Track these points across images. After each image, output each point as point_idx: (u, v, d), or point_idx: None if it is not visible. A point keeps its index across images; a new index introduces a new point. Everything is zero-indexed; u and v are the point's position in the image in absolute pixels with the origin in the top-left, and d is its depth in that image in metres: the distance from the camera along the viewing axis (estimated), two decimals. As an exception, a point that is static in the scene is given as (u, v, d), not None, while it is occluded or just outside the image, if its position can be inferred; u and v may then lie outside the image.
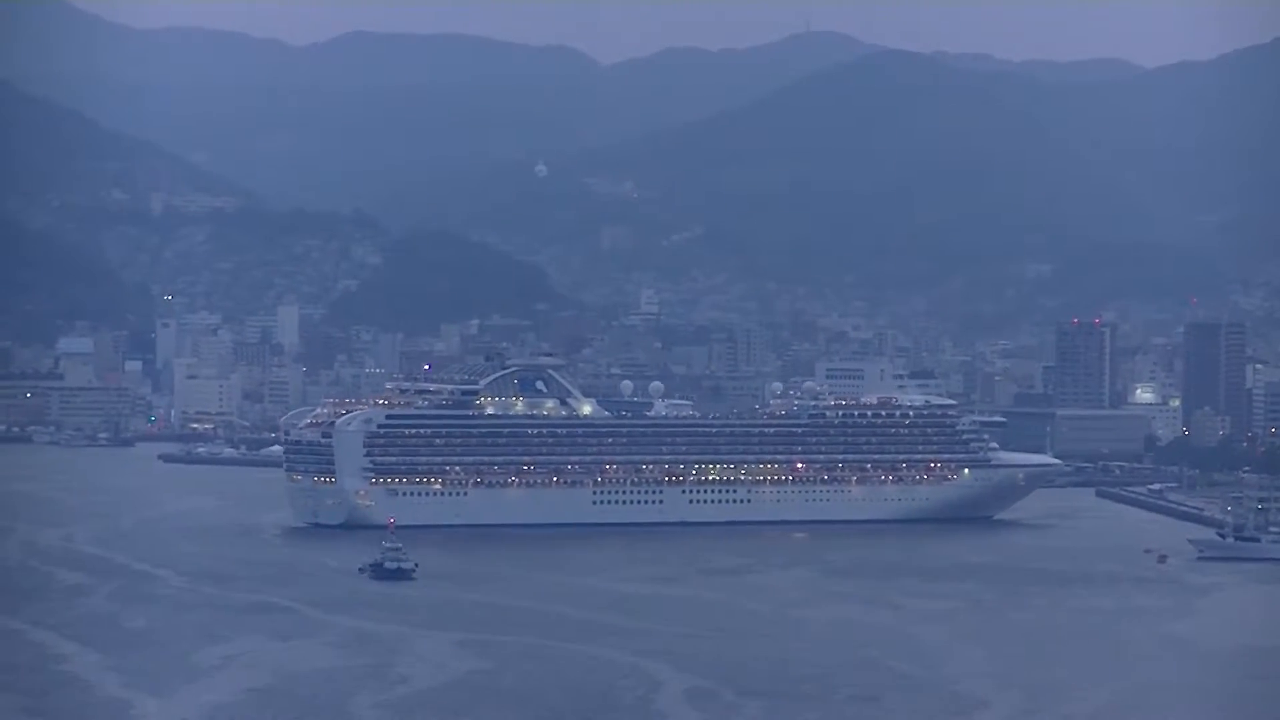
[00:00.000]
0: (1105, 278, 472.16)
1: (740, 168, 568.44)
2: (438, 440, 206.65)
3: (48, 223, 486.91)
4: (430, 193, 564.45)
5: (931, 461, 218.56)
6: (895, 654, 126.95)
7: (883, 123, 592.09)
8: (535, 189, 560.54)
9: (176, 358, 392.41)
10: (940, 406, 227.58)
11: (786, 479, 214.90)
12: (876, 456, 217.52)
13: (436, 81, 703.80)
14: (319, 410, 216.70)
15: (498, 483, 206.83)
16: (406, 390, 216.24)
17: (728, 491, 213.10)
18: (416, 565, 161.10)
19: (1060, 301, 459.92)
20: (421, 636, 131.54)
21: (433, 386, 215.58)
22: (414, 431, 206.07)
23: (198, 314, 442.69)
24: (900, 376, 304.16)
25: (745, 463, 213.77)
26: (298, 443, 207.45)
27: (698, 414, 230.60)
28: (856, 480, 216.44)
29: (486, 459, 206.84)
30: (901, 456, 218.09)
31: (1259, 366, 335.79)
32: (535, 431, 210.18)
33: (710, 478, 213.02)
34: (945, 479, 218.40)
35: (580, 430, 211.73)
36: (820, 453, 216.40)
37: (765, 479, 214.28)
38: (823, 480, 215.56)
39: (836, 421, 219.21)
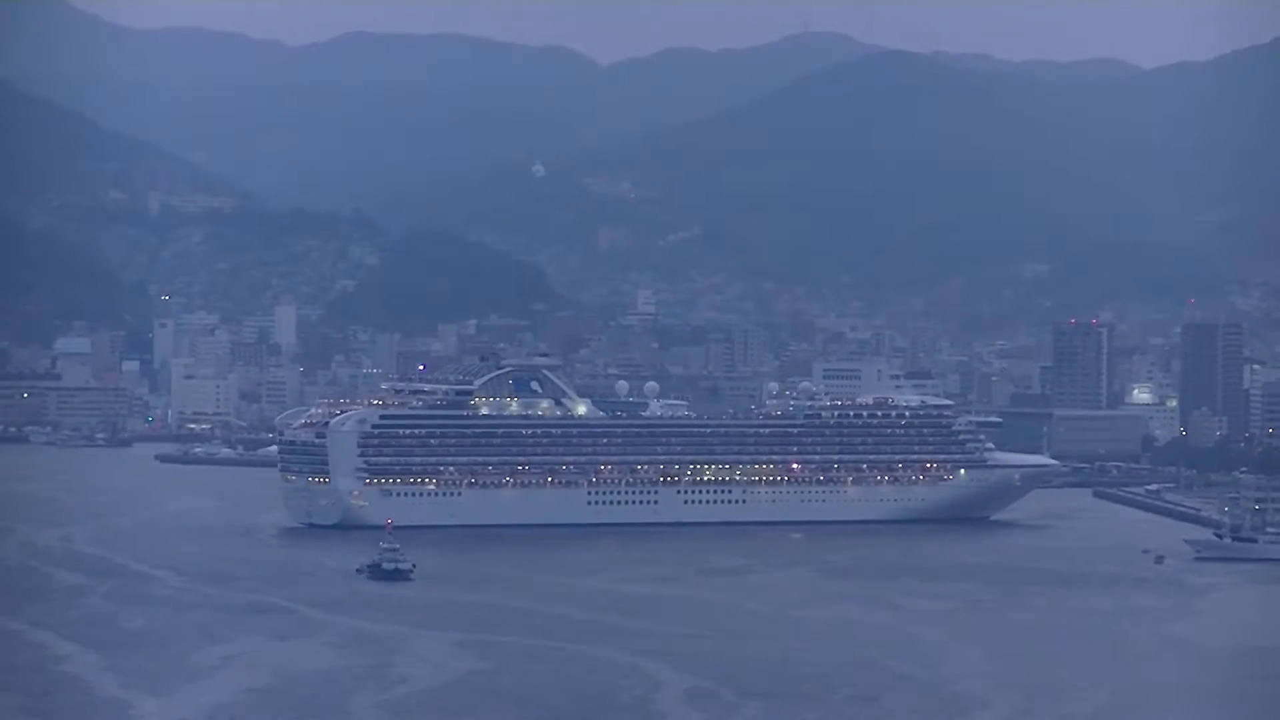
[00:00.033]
0: (1103, 278, 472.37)
1: (738, 168, 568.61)
2: (432, 441, 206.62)
3: (46, 222, 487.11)
4: (428, 193, 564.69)
5: (927, 462, 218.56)
6: (894, 654, 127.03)
7: (881, 123, 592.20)
8: (533, 189, 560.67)
9: (174, 358, 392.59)
10: (936, 407, 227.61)
11: (782, 479, 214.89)
12: (872, 457, 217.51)
13: (435, 81, 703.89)
14: (313, 410, 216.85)
15: (492, 483, 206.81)
16: (401, 390, 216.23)
17: (723, 492, 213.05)
18: (414, 566, 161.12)
19: (1058, 302, 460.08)
20: (420, 637, 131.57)
21: (427, 387, 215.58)
22: (408, 432, 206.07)
23: (195, 314, 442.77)
24: (897, 377, 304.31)
25: (740, 463, 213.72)
26: (292, 443, 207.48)
27: (693, 414, 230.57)
28: (852, 481, 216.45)
29: (481, 459, 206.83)
30: (897, 457, 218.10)
31: (1256, 367, 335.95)
32: (530, 432, 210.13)
33: (705, 478, 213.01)
34: (941, 479, 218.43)
35: (575, 430, 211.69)
36: (816, 453, 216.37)
37: (760, 479, 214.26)
38: (818, 481, 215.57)
39: (832, 422, 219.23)
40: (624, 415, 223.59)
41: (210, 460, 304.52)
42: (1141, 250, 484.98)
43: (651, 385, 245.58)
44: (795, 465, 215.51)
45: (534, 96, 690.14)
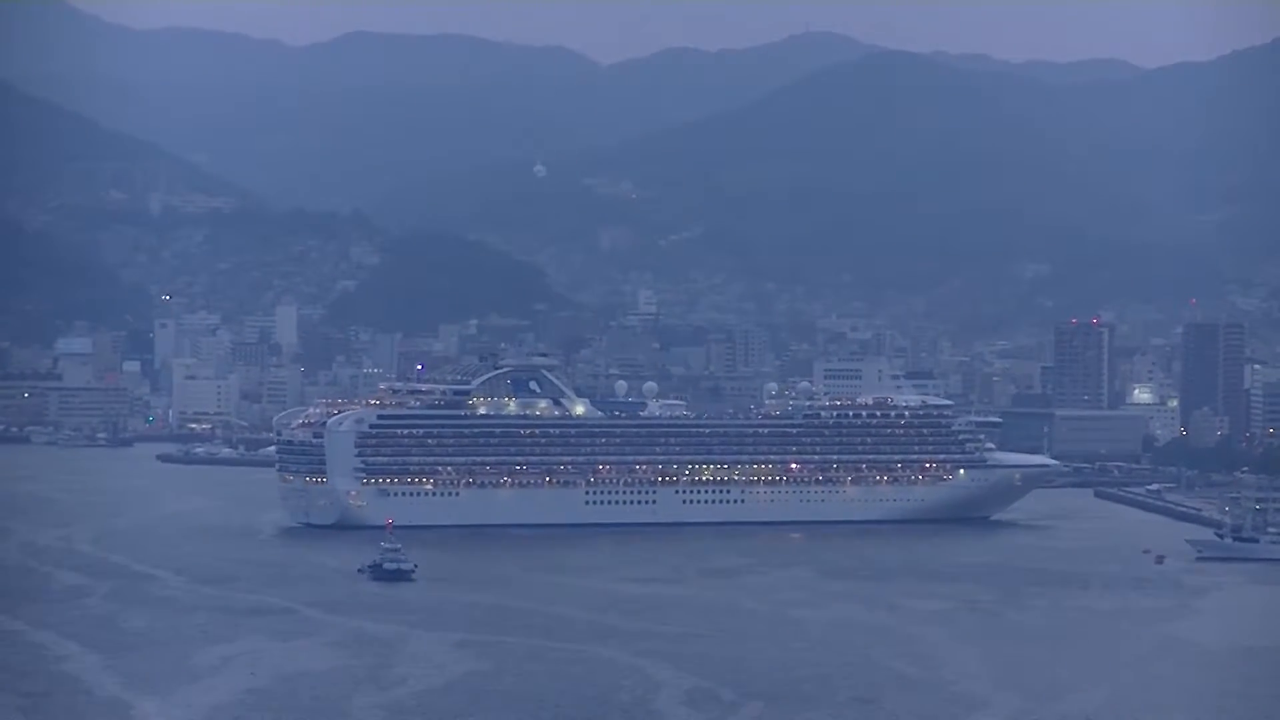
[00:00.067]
0: (1104, 278, 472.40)
1: (739, 168, 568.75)
2: (430, 441, 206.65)
3: (46, 223, 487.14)
4: (429, 193, 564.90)
5: (927, 462, 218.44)
6: (894, 654, 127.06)
7: (881, 123, 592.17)
8: (534, 189, 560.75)
9: (175, 358, 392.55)
10: (936, 407, 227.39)
11: (781, 479, 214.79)
12: (871, 457, 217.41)
13: (436, 82, 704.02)
14: (311, 410, 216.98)
15: (490, 483, 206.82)
16: (399, 390, 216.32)
17: (721, 492, 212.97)
18: (416, 566, 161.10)
19: (1059, 302, 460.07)
20: (421, 637, 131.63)
21: (425, 387, 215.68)
22: (406, 432, 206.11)
23: (196, 314, 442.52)
24: (897, 377, 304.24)
25: (739, 463, 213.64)
26: (290, 443, 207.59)
27: (691, 414, 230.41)
28: (851, 481, 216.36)
29: (478, 459, 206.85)
30: (897, 457, 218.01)
31: (1257, 367, 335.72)
32: (528, 431, 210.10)
33: (704, 478, 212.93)
34: (941, 479, 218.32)
35: (573, 430, 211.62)
36: (815, 453, 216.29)
37: (759, 479, 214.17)
38: (817, 481, 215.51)
39: (831, 422, 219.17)
40: (622, 415, 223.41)
41: (211, 460, 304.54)
42: (1142, 250, 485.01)
43: (650, 385, 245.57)
44: (794, 465, 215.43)
45: (534, 96, 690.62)
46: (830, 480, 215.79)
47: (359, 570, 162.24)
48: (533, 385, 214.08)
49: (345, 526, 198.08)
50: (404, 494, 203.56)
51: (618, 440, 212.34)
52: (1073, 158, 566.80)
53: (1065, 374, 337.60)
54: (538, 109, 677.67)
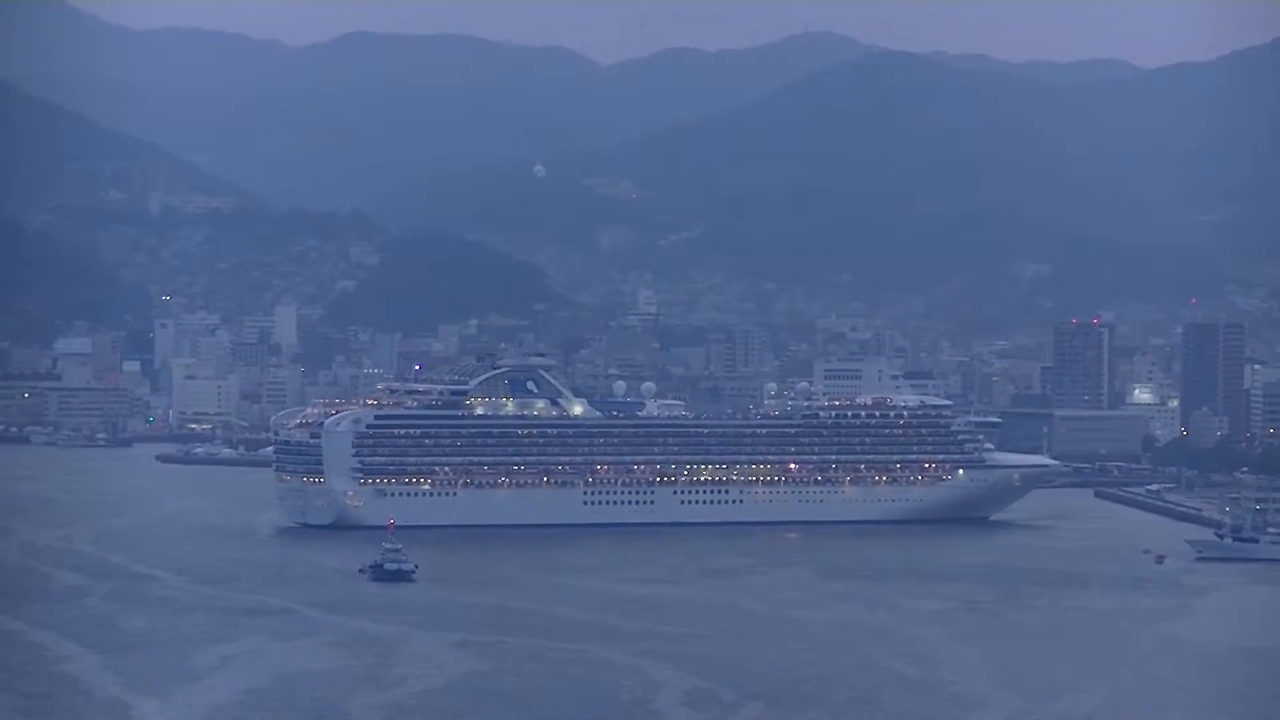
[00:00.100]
0: (1103, 278, 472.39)
1: (738, 168, 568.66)
2: (427, 441, 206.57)
3: (46, 223, 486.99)
4: (428, 193, 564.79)
5: (926, 462, 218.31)
6: (894, 654, 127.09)
7: (881, 123, 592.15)
8: (533, 189, 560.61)
9: (174, 358, 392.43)
10: (935, 407, 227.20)
11: (779, 480, 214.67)
12: (870, 457, 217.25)
13: (435, 82, 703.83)
14: (309, 410, 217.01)
15: (487, 483, 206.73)
16: (396, 391, 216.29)
17: (720, 492, 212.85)
18: (416, 567, 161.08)
19: (1058, 302, 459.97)
20: (421, 637, 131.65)
21: (422, 387, 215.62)
22: (403, 432, 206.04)
23: (196, 314, 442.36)
24: (896, 377, 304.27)
25: (738, 463, 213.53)
26: (287, 443, 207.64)
27: (689, 414, 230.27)
28: (850, 481, 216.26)
29: (476, 459, 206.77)
30: (895, 457, 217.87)
31: (1257, 367, 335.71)
32: (525, 432, 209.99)
33: (702, 478, 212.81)
34: (940, 480, 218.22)
35: (571, 430, 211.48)
36: (813, 453, 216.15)
37: (758, 479, 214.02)
38: (816, 481, 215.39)
39: (830, 422, 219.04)
40: (620, 415, 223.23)
41: (211, 460, 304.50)
42: (1142, 250, 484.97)
43: (648, 385, 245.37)
44: (793, 465, 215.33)
45: (534, 96, 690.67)
46: (829, 480, 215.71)
47: (359, 570, 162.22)
48: (530, 385, 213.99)
49: (342, 527, 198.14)
50: (401, 494, 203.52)
51: (615, 440, 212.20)
52: (1072, 158, 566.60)
53: (1065, 374, 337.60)
54: (537, 109, 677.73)
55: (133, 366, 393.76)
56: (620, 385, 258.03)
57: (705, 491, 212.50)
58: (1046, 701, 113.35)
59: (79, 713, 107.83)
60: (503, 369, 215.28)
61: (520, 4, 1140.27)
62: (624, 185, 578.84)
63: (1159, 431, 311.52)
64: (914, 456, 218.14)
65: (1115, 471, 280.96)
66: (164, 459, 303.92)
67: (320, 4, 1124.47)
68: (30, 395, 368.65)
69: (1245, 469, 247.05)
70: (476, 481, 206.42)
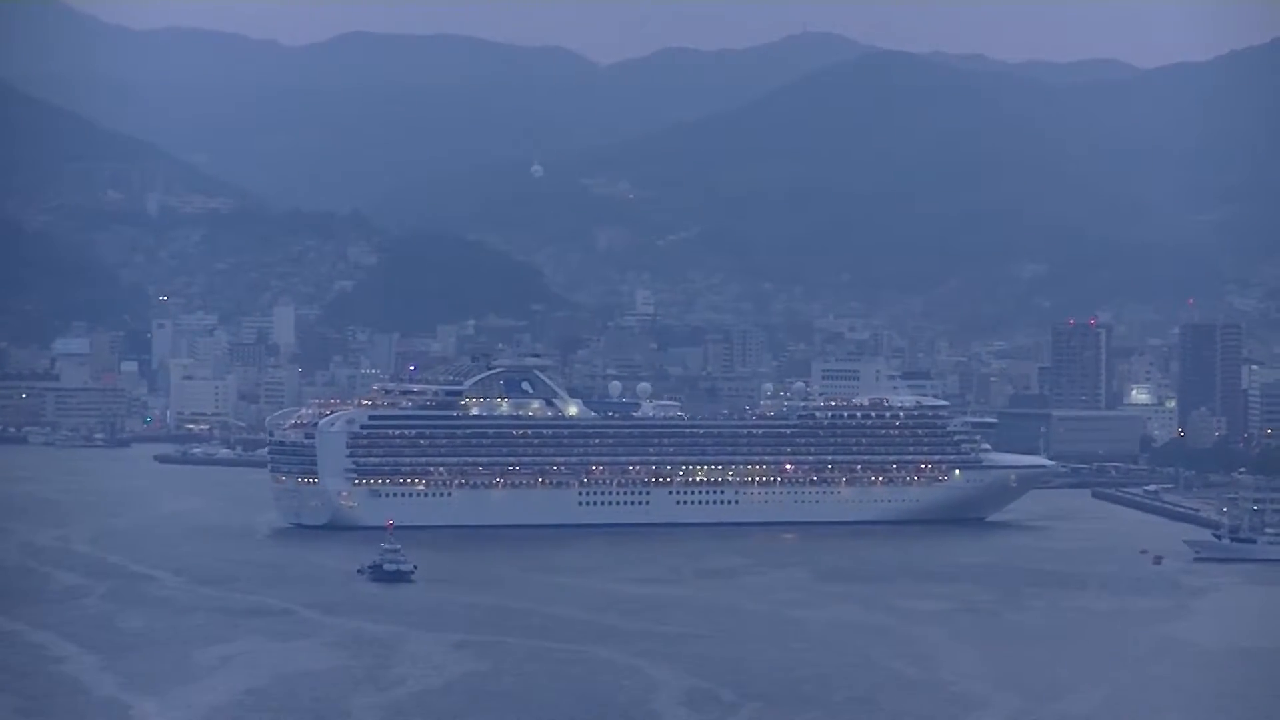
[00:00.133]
0: (1101, 278, 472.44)
1: (736, 168, 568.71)
2: (422, 441, 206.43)
3: (44, 223, 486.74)
4: (427, 193, 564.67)
5: (922, 463, 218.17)
6: (893, 655, 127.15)
7: (880, 123, 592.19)
8: (532, 189, 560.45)
9: (172, 358, 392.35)
10: (931, 407, 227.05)
11: (775, 480, 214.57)
12: (866, 458, 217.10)
13: (433, 82, 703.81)
14: (304, 411, 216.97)
15: (482, 483, 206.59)
16: (391, 391, 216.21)
17: (715, 493, 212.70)
18: (415, 567, 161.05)
19: (1056, 302, 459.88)
20: (420, 638, 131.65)
21: (417, 387, 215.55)
22: (398, 432, 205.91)
23: (194, 314, 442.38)
24: (893, 377, 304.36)
25: (733, 464, 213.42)
26: (282, 443, 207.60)
27: (685, 415, 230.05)
28: (846, 481, 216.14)
29: (471, 459, 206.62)
30: (892, 458, 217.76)
31: (1255, 367, 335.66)
32: (520, 432, 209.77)
33: (697, 479, 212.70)
34: (936, 480, 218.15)
35: (566, 431, 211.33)
36: (809, 454, 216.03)
37: (753, 480, 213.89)
38: (812, 481, 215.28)
39: (826, 423, 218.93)
40: (616, 416, 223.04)
41: (209, 461, 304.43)
42: (1140, 250, 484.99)
43: (644, 386, 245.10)
44: (788, 466, 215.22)
45: (532, 96, 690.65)
46: (825, 481, 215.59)
47: (358, 571, 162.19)
48: (525, 386, 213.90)
49: (337, 527, 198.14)
50: (396, 494, 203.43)
51: (611, 441, 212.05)
52: (1071, 158, 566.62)
53: (1063, 374, 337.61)
54: (536, 109, 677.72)
55: (130, 367, 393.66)
56: (616, 385, 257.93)
57: (701, 492, 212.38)
58: (1045, 702, 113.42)
59: (78, 713, 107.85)
60: (498, 369, 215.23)
61: (519, 4, 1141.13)
62: (622, 185, 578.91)
63: (1157, 432, 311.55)
64: (910, 457, 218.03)
65: (1113, 472, 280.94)
66: (162, 459, 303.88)
67: (319, 4, 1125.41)
68: (28, 395, 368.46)
69: (1243, 469, 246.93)
70: (471, 482, 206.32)
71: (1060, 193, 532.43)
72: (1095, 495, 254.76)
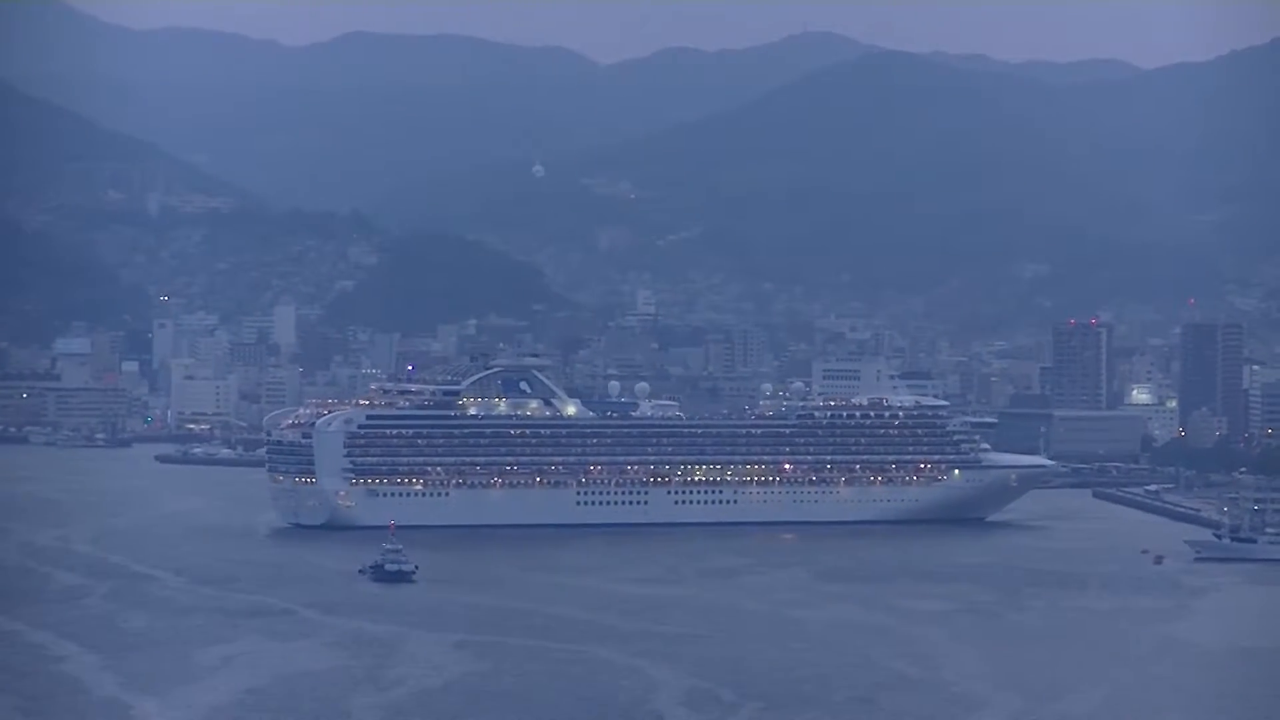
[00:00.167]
0: (1102, 278, 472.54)
1: (737, 168, 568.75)
2: (419, 441, 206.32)
3: (45, 223, 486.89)
4: (427, 193, 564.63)
5: (921, 462, 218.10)
6: (894, 655, 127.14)
7: (881, 123, 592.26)
8: (532, 189, 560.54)
9: (173, 358, 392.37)
10: (931, 407, 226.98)
11: (774, 480, 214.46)
12: (865, 457, 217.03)
13: (434, 82, 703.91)
14: (301, 410, 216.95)
15: (480, 483, 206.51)
16: (389, 391, 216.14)
17: (714, 492, 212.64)
18: (417, 568, 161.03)
19: (1057, 302, 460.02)
20: (420, 638, 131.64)
21: (414, 387, 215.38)
22: (395, 432, 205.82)
23: (195, 314, 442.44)
24: (893, 377, 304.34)
25: (732, 464, 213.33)
26: (279, 443, 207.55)
27: (683, 414, 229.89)
28: (845, 481, 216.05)
29: (468, 459, 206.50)
30: (891, 457, 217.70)
31: (1256, 367, 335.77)
32: (518, 432, 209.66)
33: (696, 479, 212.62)
34: (935, 480, 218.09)
35: (564, 430, 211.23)
36: (808, 454, 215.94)
37: (752, 480, 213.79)
38: (810, 481, 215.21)
39: (825, 422, 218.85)
40: (614, 415, 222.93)
41: (209, 461, 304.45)
42: (1141, 250, 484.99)
43: (642, 385, 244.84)
44: (787, 466, 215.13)
45: (533, 96, 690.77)
46: (824, 481, 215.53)
47: (360, 571, 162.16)
48: (523, 385, 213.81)
49: (334, 527, 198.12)
50: (393, 494, 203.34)
51: (609, 441, 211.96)
52: (1072, 158, 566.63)
53: (1063, 374, 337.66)
54: (537, 109, 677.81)
55: (131, 367, 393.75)
56: (614, 385, 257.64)
57: (699, 492, 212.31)
58: (1046, 702, 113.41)
59: (78, 713, 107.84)
60: (496, 369, 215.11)
61: (520, 4, 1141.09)
62: (623, 185, 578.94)
63: (1157, 432, 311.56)
64: (909, 457, 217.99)
65: (1114, 472, 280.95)
66: (162, 459, 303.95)
67: (319, 4, 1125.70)
68: (29, 395, 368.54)
69: (1243, 469, 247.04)
70: (469, 482, 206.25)
71: (1061, 193, 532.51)
72: (1096, 495, 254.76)
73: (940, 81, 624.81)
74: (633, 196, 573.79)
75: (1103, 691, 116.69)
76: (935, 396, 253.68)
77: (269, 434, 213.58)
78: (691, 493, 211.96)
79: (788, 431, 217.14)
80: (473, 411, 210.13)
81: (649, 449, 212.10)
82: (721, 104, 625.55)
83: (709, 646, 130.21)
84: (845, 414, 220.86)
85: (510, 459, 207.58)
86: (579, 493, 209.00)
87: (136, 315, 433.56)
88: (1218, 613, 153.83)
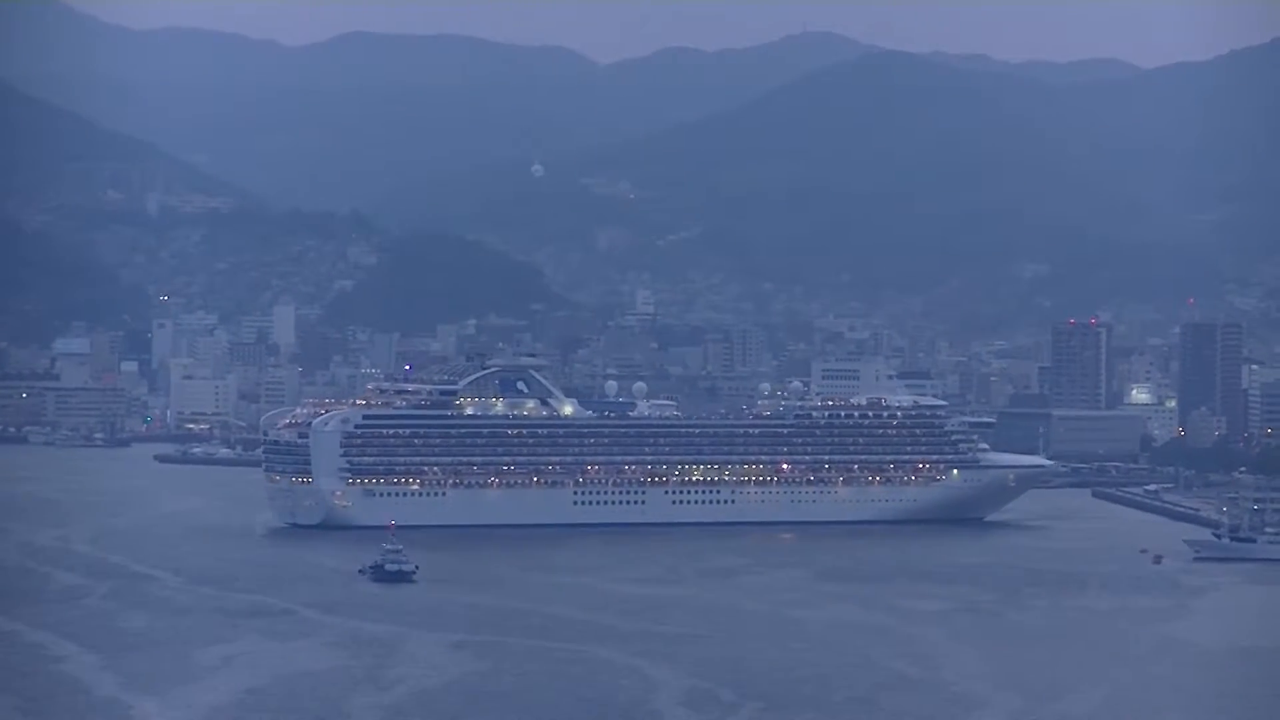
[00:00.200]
0: (1102, 278, 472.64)
1: (737, 168, 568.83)
2: (416, 441, 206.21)
3: (44, 223, 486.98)
4: (427, 193, 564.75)
5: (919, 462, 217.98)
6: (894, 655, 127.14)
7: (881, 123, 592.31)
8: (532, 189, 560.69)
9: (172, 358, 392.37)
10: (929, 407, 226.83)
11: (772, 480, 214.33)
12: (863, 457, 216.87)
13: (434, 82, 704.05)
14: (298, 410, 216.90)
15: (477, 483, 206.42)
16: (386, 390, 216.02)
17: (711, 492, 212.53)
18: (417, 568, 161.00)
19: (1056, 302, 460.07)
20: (420, 638, 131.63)
21: (411, 387, 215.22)
22: (392, 432, 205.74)
23: (194, 314, 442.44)
24: (892, 377, 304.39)
25: (729, 463, 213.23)
26: (276, 443, 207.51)
27: (681, 414, 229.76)
28: (843, 481, 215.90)
29: (465, 459, 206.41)
30: (889, 457, 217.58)
31: (1255, 367, 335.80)
32: (515, 431, 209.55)
33: (694, 478, 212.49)
34: (933, 480, 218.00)
35: (561, 430, 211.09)
36: (806, 453, 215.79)
37: (749, 479, 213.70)
38: (808, 481, 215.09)
39: (823, 422, 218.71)
40: (612, 415, 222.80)
41: (209, 460, 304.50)
42: (1140, 250, 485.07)
43: (640, 385, 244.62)
44: (785, 466, 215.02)
45: (533, 96, 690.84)
46: (822, 481, 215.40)
47: (359, 571, 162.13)
48: (520, 385, 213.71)
49: (331, 527, 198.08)
50: (390, 494, 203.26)
51: (606, 440, 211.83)
52: (1072, 158, 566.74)
53: (1063, 374, 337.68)
54: (536, 109, 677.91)
55: (130, 366, 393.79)
56: (612, 385, 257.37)
57: (697, 492, 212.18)
58: (1046, 701, 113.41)
59: (78, 713, 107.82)
60: (493, 369, 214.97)
61: (519, 4, 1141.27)
62: (622, 185, 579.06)
63: (1157, 431, 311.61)
64: (907, 457, 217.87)
65: (1113, 471, 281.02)
66: (162, 459, 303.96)
67: (318, 4, 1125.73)
68: (28, 395, 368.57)
69: (1243, 469, 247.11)
70: (466, 481, 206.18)
71: (1060, 193, 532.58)
72: (1095, 495, 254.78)
73: (940, 81, 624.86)
74: (632, 196, 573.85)
75: (1102, 691, 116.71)
76: (934, 396, 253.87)
77: (266, 434, 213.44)
78: (689, 493, 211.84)
79: (786, 431, 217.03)
80: (469, 411, 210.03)
81: (646, 449, 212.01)
82: (721, 104, 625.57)
83: (709, 646, 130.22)
84: (844, 414, 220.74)
85: (507, 459, 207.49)
86: (576, 493, 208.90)
87: (136, 315, 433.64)
88: (1217, 612, 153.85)
